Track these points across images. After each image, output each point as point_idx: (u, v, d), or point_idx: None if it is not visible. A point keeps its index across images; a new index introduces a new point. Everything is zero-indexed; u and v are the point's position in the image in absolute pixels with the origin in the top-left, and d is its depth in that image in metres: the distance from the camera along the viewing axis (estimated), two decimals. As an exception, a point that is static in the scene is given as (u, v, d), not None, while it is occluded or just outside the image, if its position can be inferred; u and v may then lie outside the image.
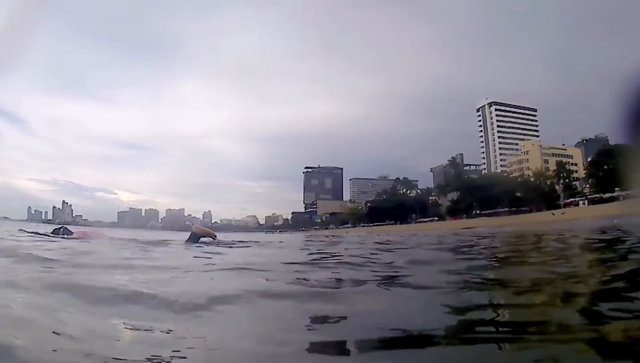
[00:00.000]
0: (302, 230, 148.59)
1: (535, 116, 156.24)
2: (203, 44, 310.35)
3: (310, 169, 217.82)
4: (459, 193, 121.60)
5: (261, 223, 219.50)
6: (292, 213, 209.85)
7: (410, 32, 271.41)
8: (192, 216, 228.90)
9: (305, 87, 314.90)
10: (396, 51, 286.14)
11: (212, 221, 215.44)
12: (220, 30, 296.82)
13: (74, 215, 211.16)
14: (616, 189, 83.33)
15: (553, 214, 72.66)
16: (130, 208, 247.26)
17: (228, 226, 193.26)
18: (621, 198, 78.26)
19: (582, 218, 49.93)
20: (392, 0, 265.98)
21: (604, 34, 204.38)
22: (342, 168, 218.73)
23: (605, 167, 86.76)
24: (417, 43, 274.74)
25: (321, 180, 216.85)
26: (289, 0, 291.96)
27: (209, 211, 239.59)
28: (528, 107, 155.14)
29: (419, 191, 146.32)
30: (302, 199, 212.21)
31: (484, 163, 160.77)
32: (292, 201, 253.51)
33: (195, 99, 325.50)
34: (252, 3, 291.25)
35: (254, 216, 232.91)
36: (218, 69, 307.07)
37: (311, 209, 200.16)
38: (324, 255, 10.07)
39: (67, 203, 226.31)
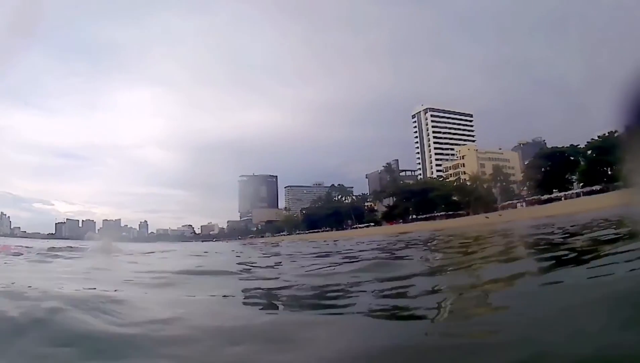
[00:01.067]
0: (239, 239, 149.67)
1: (471, 121, 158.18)
2: (139, 52, 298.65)
3: (245, 178, 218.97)
4: (394, 199, 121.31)
5: (197, 233, 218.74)
6: (228, 221, 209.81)
7: (345, 39, 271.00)
8: (129, 226, 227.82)
9: (240, 96, 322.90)
10: (332, 59, 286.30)
11: (149, 231, 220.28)
12: (155, 38, 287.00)
13: (12, 227, 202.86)
14: (554, 190, 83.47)
15: (487, 217, 71.57)
16: (67, 219, 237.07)
17: (164, 236, 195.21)
18: (563, 198, 78.13)
19: (519, 219, 50.41)
20: (325, 9, 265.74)
21: (539, 42, 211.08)
22: (276, 176, 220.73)
23: (543, 170, 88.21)
24: (353, 50, 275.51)
25: (256, 188, 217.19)
26: (222, 9, 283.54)
27: (145, 221, 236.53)
28: (464, 113, 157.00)
29: (354, 197, 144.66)
30: (238, 207, 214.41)
31: (420, 169, 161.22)
32: (228, 210, 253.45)
33: (130, 107, 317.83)
34: (186, 11, 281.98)
35: (190, 225, 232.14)
36: (153, 77, 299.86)
37: (247, 218, 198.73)
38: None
39: (5, 215, 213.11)
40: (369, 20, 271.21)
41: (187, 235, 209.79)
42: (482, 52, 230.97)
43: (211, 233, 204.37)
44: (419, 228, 66.10)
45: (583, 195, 74.35)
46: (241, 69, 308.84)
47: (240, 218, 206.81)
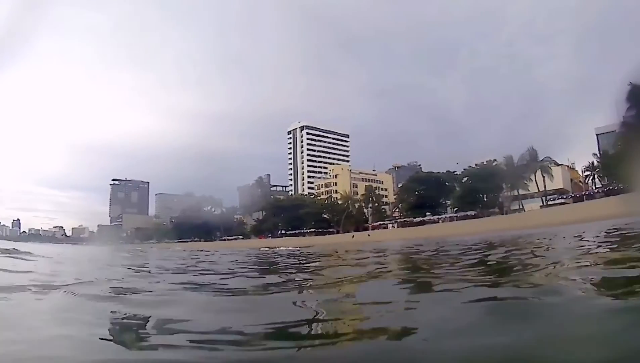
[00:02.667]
0: (108, 244, 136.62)
1: (347, 141, 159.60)
2: (21, 44, 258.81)
3: (117, 182, 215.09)
4: (264, 213, 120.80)
5: (68, 235, 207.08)
6: (98, 225, 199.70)
7: (227, 49, 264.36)
8: (2, 224, 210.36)
9: (117, 98, 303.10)
10: (210, 68, 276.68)
11: (21, 231, 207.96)
12: (39, 31, 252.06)
13: None
14: (427, 214, 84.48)
15: (353, 236, 72.35)
16: None
17: (36, 237, 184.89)
18: (441, 221, 79.49)
19: (386, 240, 51.59)
20: (210, 19, 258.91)
21: (423, 68, 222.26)
22: (148, 182, 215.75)
23: (416, 193, 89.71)
24: (234, 61, 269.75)
25: (128, 193, 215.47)
26: (112, 9, 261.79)
27: (18, 220, 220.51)
28: (340, 133, 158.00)
29: (224, 209, 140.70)
30: (109, 211, 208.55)
31: (292, 185, 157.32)
32: (99, 214, 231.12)
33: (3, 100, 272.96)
34: (73, 7, 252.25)
35: (61, 227, 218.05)
36: (32, 71, 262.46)
37: (117, 223, 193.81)
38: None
39: None
40: (256, 33, 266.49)
41: (58, 237, 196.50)
42: (366, 75, 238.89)
43: (82, 236, 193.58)
44: (286, 244, 65.56)
45: (457, 219, 76.08)
46: (123, 71, 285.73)
47: (111, 222, 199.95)
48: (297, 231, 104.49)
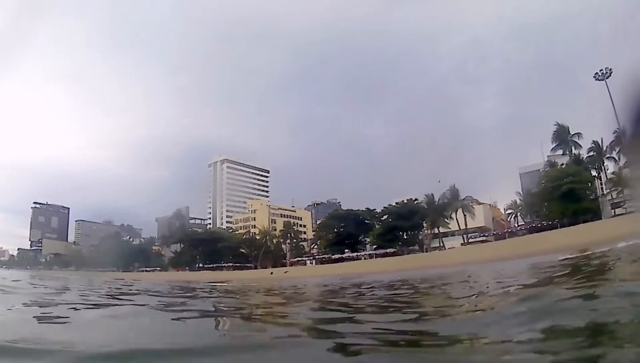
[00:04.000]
0: (28, 268, 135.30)
1: (267, 176, 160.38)
2: None
3: (38, 205, 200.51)
4: (182, 245, 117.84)
5: None
6: (18, 249, 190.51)
7: (156, 79, 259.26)
8: None
9: (44, 119, 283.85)
10: (137, 95, 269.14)
11: None
12: None
13: None
14: (346, 251, 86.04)
15: (272, 273, 70.17)
16: None
17: None
18: (363, 258, 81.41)
19: (303, 276, 51.49)
20: (136, 44, 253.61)
21: (347, 105, 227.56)
22: (69, 208, 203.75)
23: (335, 230, 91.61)
24: (160, 90, 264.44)
25: (48, 218, 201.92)
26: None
27: None
28: (261, 168, 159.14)
29: (142, 239, 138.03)
30: (29, 235, 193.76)
31: (210, 218, 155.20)
32: (20, 237, 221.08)
33: None
34: None
35: None
36: None
37: (37, 248, 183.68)
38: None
39: None
40: (180, 62, 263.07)
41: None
42: (289, 110, 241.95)
43: (1, 259, 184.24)
44: (203, 278, 65.21)
45: (376, 257, 78.29)
46: (51, 92, 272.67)
47: (31, 246, 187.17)
48: (214, 265, 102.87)
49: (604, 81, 64.38)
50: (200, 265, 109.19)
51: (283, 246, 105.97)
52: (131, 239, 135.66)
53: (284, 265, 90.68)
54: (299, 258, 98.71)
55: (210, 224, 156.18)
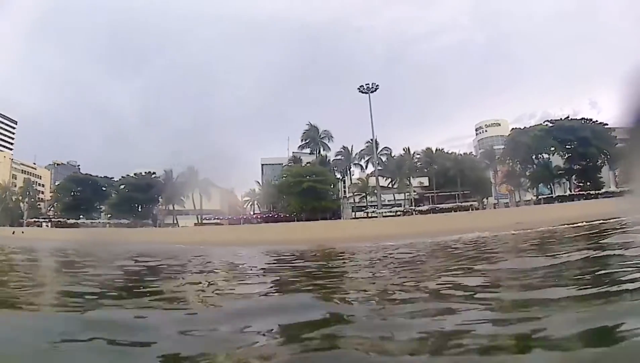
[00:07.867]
0: None
1: (14, 128, 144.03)
2: None
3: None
4: None
5: None
6: None
7: None
8: None
9: None
10: None
11: None
12: None
13: None
14: (81, 216, 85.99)
15: (14, 233, 67.34)
16: None
17: None
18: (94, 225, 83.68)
19: (42, 239, 48.05)
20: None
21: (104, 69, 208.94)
22: None
23: (72, 193, 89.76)
24: None
25: None
26: None
27: None
28: (8, 117, 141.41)
29: None
30: None
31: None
32: None
33: None
34: None
35: None
36: None
37: None
38: None
39: None
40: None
41: None
42: (45, 61, 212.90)
43: None
44: None
45: (109, 226, 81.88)
46: None
47: None
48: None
49: (367, 94, 75.14)
50: None
51: (21, 204, 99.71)
52: None
53: (20, 225, 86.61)
54: (36, 219, 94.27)
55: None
